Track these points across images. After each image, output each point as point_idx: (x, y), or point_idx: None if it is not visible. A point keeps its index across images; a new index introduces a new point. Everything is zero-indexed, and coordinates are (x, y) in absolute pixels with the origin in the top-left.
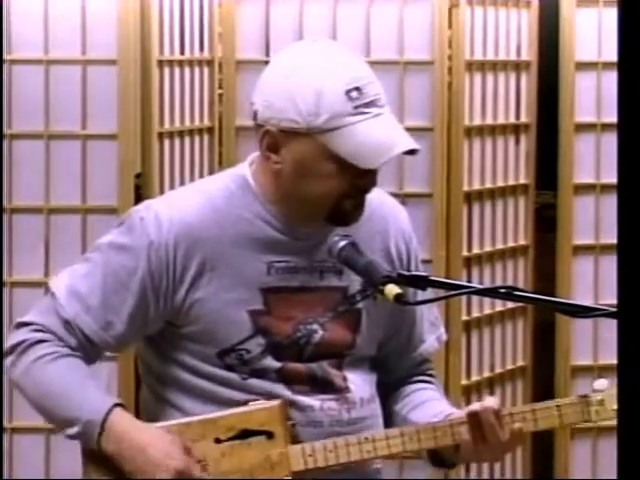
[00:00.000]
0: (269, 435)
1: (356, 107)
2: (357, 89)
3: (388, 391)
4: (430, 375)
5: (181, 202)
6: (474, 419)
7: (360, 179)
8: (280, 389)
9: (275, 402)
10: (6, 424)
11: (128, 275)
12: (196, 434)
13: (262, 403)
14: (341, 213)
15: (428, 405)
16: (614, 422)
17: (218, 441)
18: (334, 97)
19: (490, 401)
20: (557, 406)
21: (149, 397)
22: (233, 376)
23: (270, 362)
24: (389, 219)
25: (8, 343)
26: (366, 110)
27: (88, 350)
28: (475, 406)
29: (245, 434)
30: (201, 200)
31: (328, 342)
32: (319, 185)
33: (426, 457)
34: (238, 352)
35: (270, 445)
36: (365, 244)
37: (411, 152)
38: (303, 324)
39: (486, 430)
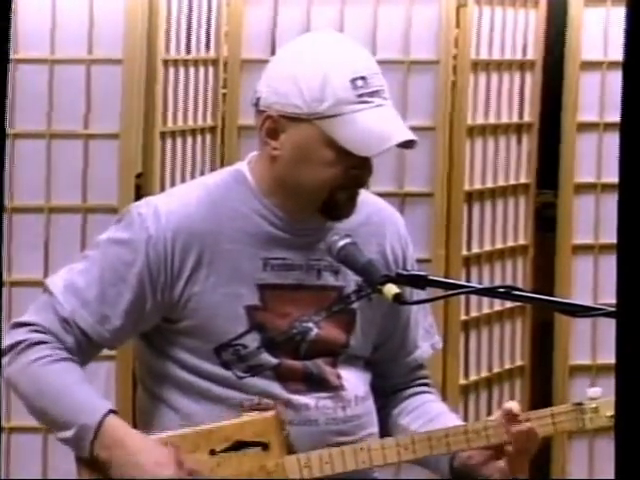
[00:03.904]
0: (264, 446)
1: (360, 95)
2: (362, 78)
3: (385, 398)
4: (426, 384)
5: (179, 196)
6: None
7: (356, 169)
8: (275, 388)
9: (269, 412)
10: (4, 424)
11: (126, 269)
12: (190, 445)
13: (256, 414)
14: (335, 205)
15: (442, 419)
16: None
17: (213, 453)
18: (339, 84)
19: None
20: (552, 414)
21: (144, 395)
22: (229, 374)
23: (266, 358)
24: (386, 224)
25: (5, 343)
26: (369, 99)
27: (86, 347)
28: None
29: (240, 445)
30: (199, 194)
31: (323, 340)
32: (315, 172)
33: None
34: (235, 347)
35: (265, 456)
36: (362, 247)
37: (409, 146)
38: (298, 321)
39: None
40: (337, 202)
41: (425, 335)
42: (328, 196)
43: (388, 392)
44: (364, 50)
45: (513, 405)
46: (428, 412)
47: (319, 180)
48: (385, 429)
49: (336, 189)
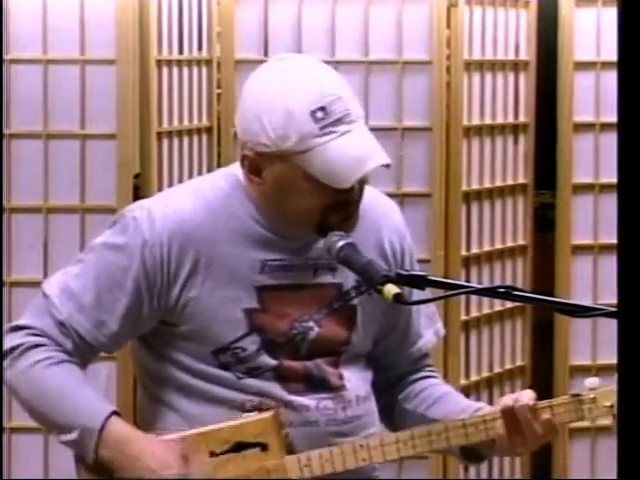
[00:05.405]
0: (263, 447)
1: (322, 127)
2: (322, 109)
3: (389, 388)
4: (432, 370)
5: (174, 200)
6: (509, 414)
7: (342, 194)
8: (276, 389)
9: (268, 413)
10: (5, 424)
11: (122, 274)
12: (190, 448)
13: (255, 415)
14: (329, 227)
15: (447, 399)
16: (612, 422)
17: (213, 454)
18: (299, 119)
19: (526, 396)
20: (550, 406)
21: (145, 398)
22: (228, 375)
23: (266, 360)
24: (382, 217)
25: (3, 347)
26: (333, 129)
27: (83, 351)
28: (508, 401)
29: (239, 447)
30: (194, 198)
31: (324, 339)
32: (302, 203)
33: (457, 453)
34: (233, 350)
35: (265, 457)
36: (359, 243)
37: (384, 166)
38: (298, 321)
39: (522, 425)
40: (329, 224)
41: (428, 322)
42: (321, 218)
43: (393, 382)
44: (326, 73)
45: (530, 394)
46: (433, 394)
47: (307, 209)
48: (392, 416)
49: (326, 212)
